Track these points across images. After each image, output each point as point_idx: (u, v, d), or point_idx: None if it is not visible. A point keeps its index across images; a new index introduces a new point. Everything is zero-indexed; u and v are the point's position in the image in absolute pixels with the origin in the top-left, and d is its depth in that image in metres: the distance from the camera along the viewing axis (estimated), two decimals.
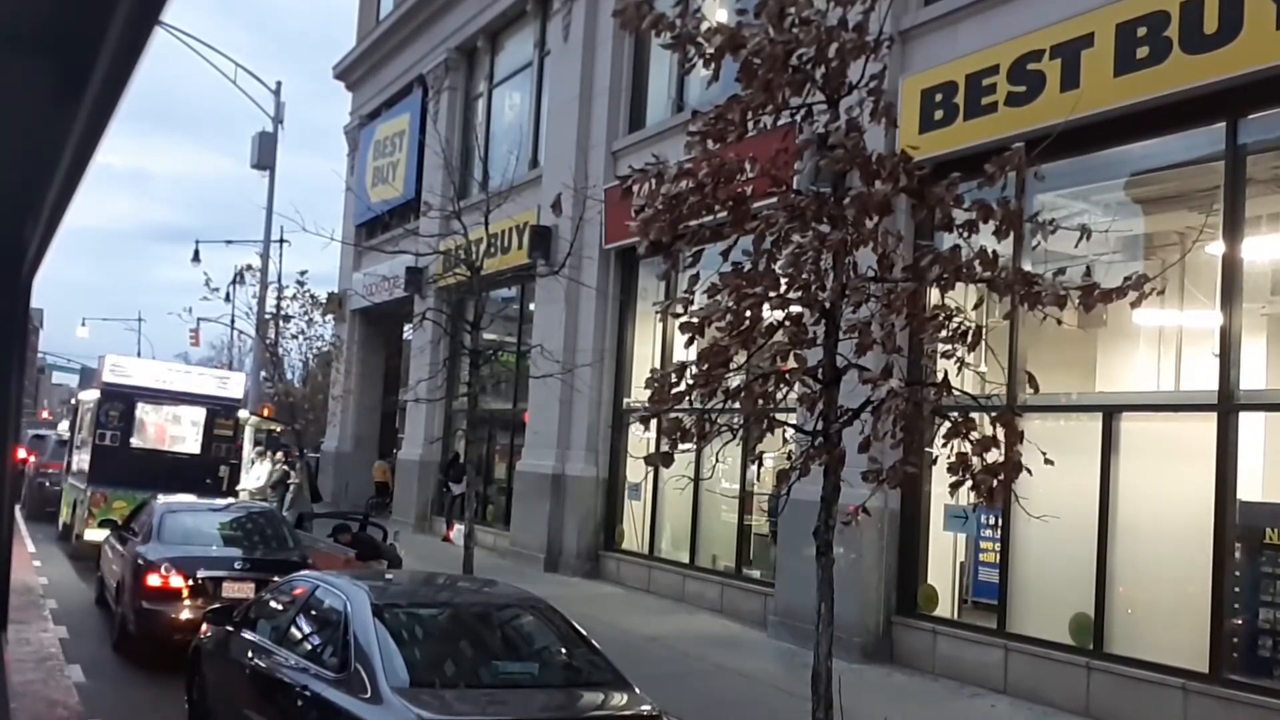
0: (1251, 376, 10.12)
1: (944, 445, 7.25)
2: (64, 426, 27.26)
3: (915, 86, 12.53)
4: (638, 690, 6.92)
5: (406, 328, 28.01)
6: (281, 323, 29.15)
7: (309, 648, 7.52)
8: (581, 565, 18.73)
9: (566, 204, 16.84)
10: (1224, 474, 9.74)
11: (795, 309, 7.34)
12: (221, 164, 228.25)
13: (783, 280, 7.22)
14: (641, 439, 16.96)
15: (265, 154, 31.13)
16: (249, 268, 36.41)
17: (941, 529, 12.51)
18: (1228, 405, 9.85)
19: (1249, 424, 9.96)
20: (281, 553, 12.77)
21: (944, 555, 12.68)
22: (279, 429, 28.93)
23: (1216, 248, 10.20)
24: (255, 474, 23.48)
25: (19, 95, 1.92)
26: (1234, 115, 9.99)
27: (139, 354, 53.55)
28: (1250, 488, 9.87)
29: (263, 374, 30.70)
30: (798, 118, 7.60)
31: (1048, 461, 7.02)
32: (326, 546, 15.11)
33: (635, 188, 7.67)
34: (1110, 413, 10.93)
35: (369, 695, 6.37)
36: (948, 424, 7.23)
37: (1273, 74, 9.30)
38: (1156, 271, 7.28)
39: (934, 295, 7.61)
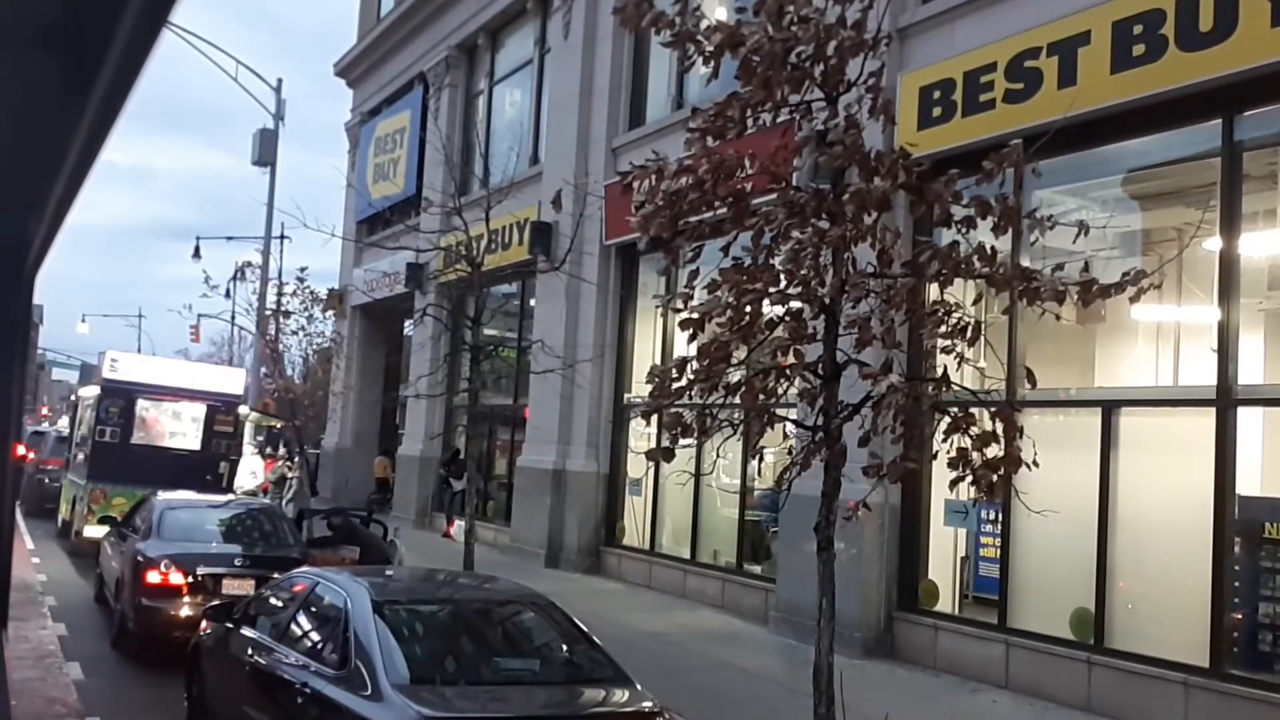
0: (1249, 371, 10.14)
1: (944, 440, 7.27)
2: (64, 423, 27.24)
3: (913, 83, 12.55)
4: (639, 686, 6.92)
5: (407, 323, 28.00)
6: (282, 319, 29.08)
7: (309, 644, 7.52)
8: (582, 561, 18.74)
9: (567, 200, 16.91)
10: (1223, 469, 9.76)
11: (795, 304, 7.36)
12: (225, 161, 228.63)
13: (782, 276, 7.24)
14: (642, 434, 16.99)
15: (266, 150, 31.14)
16: (249, 264, 36.47)
17: (942, 524, 12.53)
18: (1226, 400, 9.87)
19: (1247, 419, 9.97)
20: (281, 549, 12.77)
21: (944, 550, 12.70)
22: (279, 425, 28.88)
23: (1213, 243, 10.22)
24: (250, 469, 23.43)
25: (26, 91, 1.93)
26: (1230, 112, 10.02)
27: (139, 350, 53.59)
28: (1249, 482, 9.89)
29: (263, 370, 30.69)
30: (797, 115, 7.62)
31: (1036, 463, 7.04)
32: (330, 551, 15.02)
33: (635, 184, 7.70)
34: (1109, 408, 10.95)
35: (369, 692, 6.37)
36: (948, 419, 7.24)
37: (1268, 71, 9.33)
38: (1154, 267, 7.27)
39: (933, 291, 7.62)
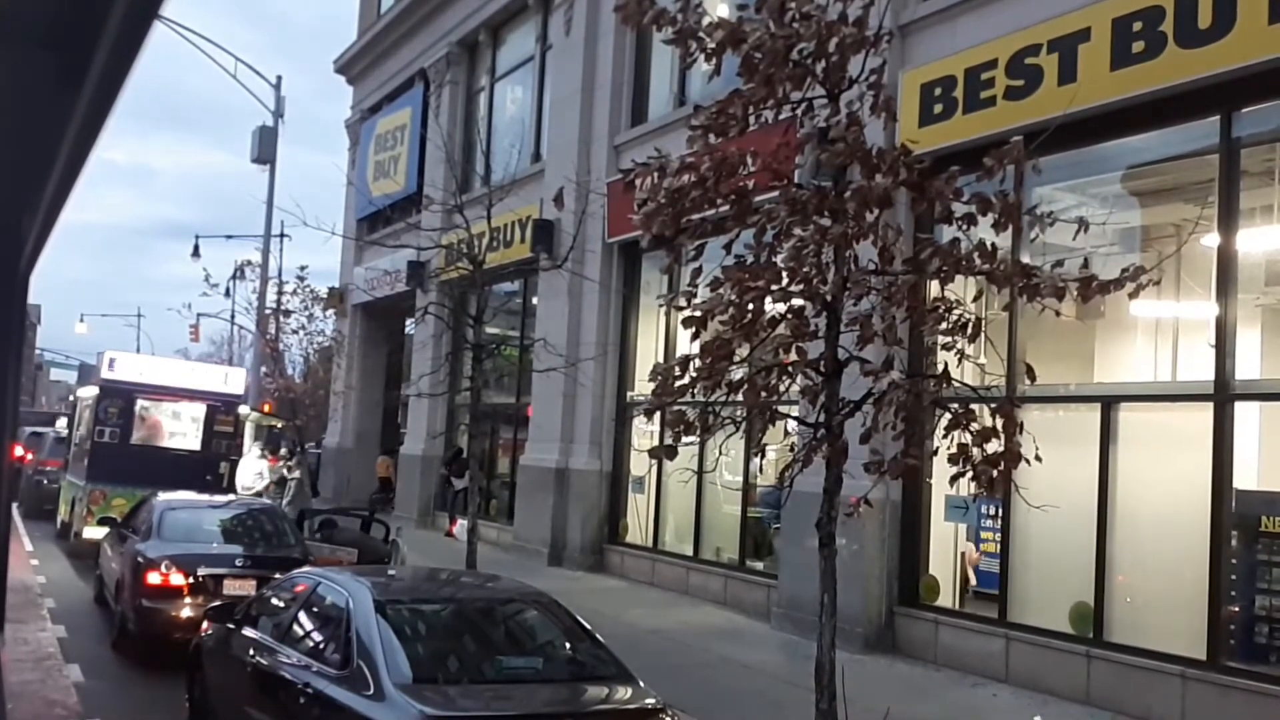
0: (1247, 367, 10.16)
1: (944, 436, 7.28)
2: (62, 423, 27.19)
3: (915, 80, 12.54)
4: (642, 684, 6.94)
5: (409, 322, 27.99)
6: (282, 318, 29.09)
7: (311, 645, 7.52)
8: (585, 559, 18.74)
9: (569, 198, 16.84)
10: (1220, 463, 9.78)
11: (797, 302, 7.37)
12: (224, 159, 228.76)
13: (784, 273, 7.24)
14: (645, 432, 16.98)
15: (266, 148, 31.09)
16: (249, 263, 36.48)
17: (943, 519, 12.54)
18: (1224, 395, 9.88)
19: (1244, 413, 10.00)
20: (283, 549, 12.74)
21: (945, 546, 12.71)
22: (279, 424, 28.89)
23: (1212, 240, 10.23)
24: (255, 470, 23.41)
25: (17, 86, 1.92)
26: (1228, 109, 10.02)
27: (138, 350, 53.56)
28: (1246, 476, 9.92)
29: (263, 369, 30.69)
30: (798, 112, 7.61)
31: (1038, 458, 7.04)
32: (326, 551, 14.98)
33: (637, 181, 7.70)
34: (1108, 403, 10.96)
35: (372, 692, 6.37)
36: (948, 415, 7.25)
37: (1266, 68, 9.34)
38: (1153, 263, 7.30)
39: (934, 288, 7.62)
